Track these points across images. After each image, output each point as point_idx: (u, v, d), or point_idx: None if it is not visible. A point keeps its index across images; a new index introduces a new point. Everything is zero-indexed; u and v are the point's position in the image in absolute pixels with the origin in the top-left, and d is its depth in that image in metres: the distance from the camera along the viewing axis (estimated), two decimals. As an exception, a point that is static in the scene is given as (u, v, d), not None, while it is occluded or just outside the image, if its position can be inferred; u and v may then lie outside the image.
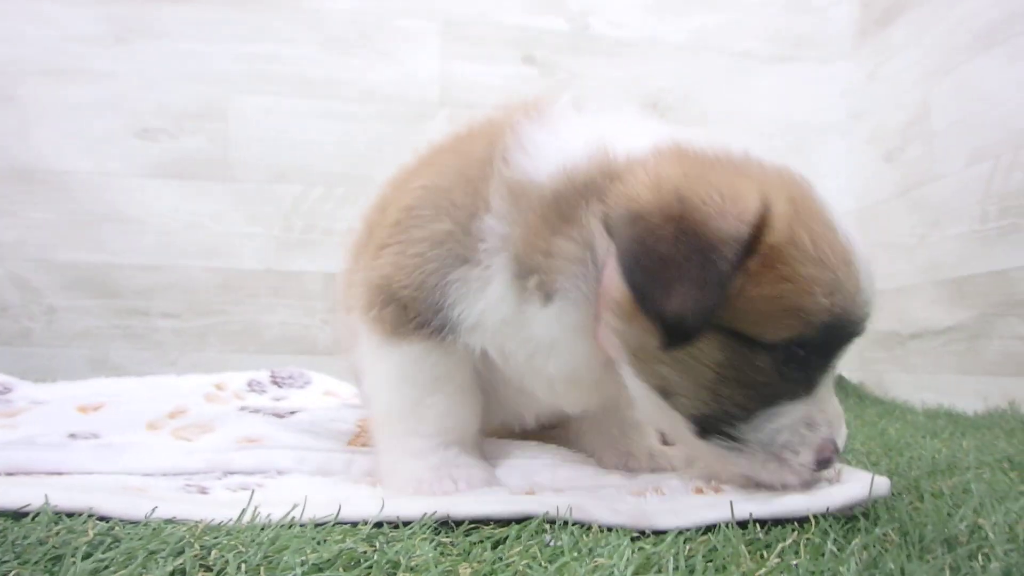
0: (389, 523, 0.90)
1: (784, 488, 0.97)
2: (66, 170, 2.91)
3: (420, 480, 1.08)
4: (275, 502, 0.94)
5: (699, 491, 1.03)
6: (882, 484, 0.96)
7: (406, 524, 0.89)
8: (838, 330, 0.93)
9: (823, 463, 0.97)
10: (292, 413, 1.26)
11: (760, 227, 0.89)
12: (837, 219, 0.95)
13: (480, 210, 1.03)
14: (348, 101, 3.11)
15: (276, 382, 1.99)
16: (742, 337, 0.92)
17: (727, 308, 0.89)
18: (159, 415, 1.36)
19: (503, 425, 1.31)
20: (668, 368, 0.95)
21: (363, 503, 0.93)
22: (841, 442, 0.99)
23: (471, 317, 1.04)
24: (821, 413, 0.97)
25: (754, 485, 0.99)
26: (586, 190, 0.98)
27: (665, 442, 1.34)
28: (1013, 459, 1.41)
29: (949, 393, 2.59)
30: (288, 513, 0.89)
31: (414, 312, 1.06)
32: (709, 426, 0.96)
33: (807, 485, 0.97)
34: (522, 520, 0.90)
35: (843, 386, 3.06)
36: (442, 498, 0.95)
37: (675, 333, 0.89)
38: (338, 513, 0.89)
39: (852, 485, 0.95)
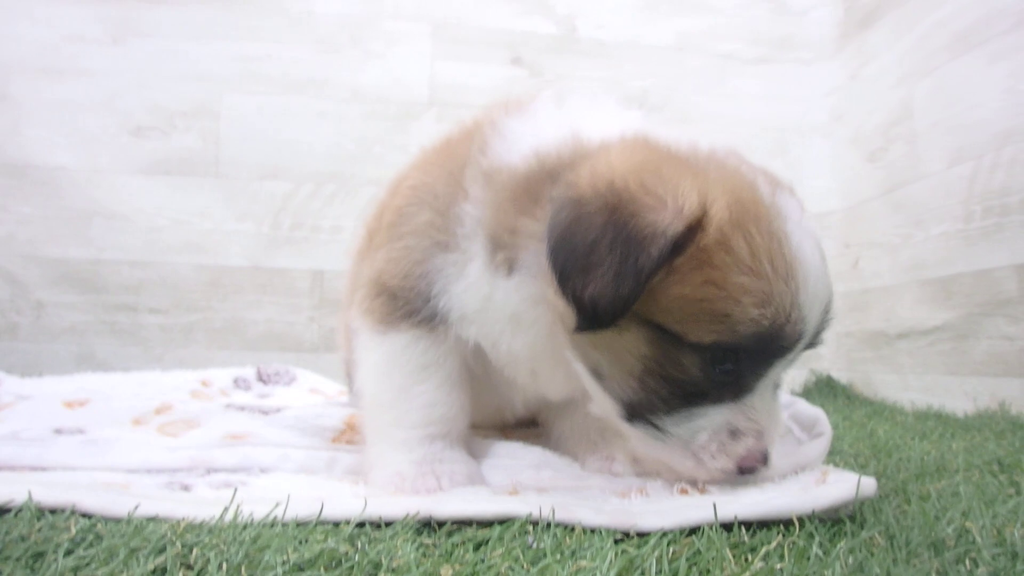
0: (371, 523, 0.90)
1: (700, 480, 1.01)
2: (57, 166, 2.92)
3: (403, 475, 1.09)
4: (257, 500, 0.95)
5: (684, 492, 1.04)
6: (868, 485, 0.96)
7: (388, 524, 0.90)
8: (770, 342, 0.94)
9: (745, 471, 1.00)
10: (277, 410, 1.25)
11: (694, 227, 0.90)
12: (792, 232, 0.94)
13: (459, 198, 1.07)
14: (338, 101, 3.13)
15: (262, 379, 1.98)
16: (669, 334, 0.94)
17: (652, 303, 0.92)
18: (145, 411, 1.37)
19: (497, 412, 1.33)
20: (600, 354, 0.98)
21: (345, 502, 0.93)
22: (771, 452, 1.02)
23: (455, 302, 1.08)
24: (749, 422, 0.99)
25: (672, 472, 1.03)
26: (554, 172, 1.00)
27: None
28: (1003, 461, 1.41)
29: (938, 394, 2.60)
30: (270, 512, 0.90)
31: (402, 301, 1.10)
32: (635, 413, 1.00)
33: (723, 480, 1.01)
34: (505, 521, 0.91)
35: (832, 386, 3.07)
36: (425, 498, 0.96)
37: (590, 318, 0.91)
38: (320, 512, 0.90)
39: (838, 486, 0.95)
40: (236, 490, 1.02)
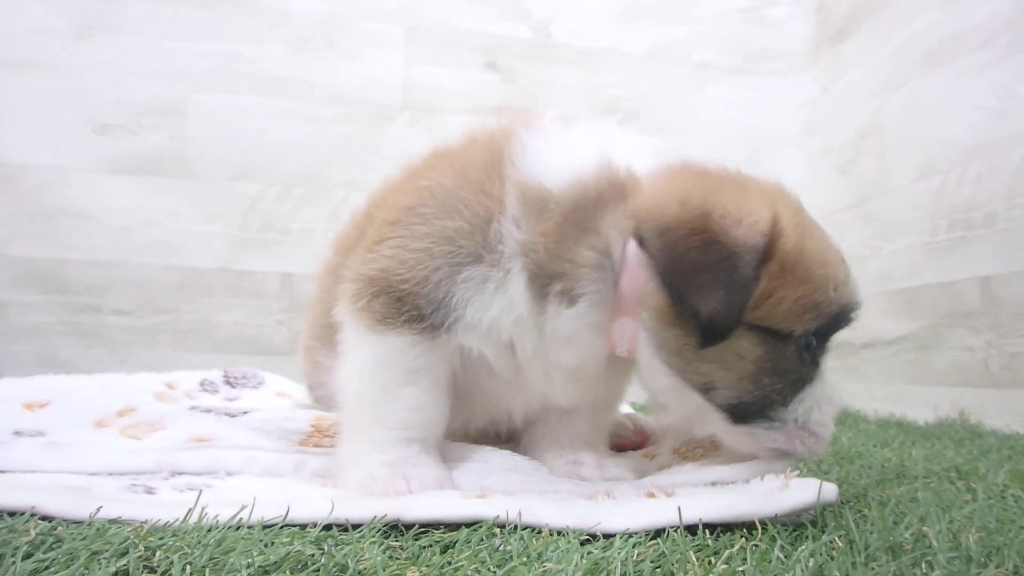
0: (338, 526, 0.89)
1: (813, 455, 1.11)
2: (22, 163, 2.88)
3: (374, 476, 1.08)
4: (223, 503, 0.94)
5: (651, 495, 1.05)
6: (830, 491, 0.98)
7: (355, 527, 0.89)
8: (842, 319, 1.07)
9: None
10: (244, 412, 1.24)
11: (774, 236, 1.00)
12: (828, 234, 1.10)
13: (495, 212, 1.08)
14: (310, 102, 3.11)
15: (229, 382, 1.96)
16: (773, 332, 1.03)
17: (758, 309, 1.01)
18: (107, 413, 1.34)
19: (491, 423, 1.32)
20: (711, 366, 1.05)
21: (312, 505, 0.92)
22: None
23: (482, 314, 1.08)
24: (830, 388, 1.10)
25: (776, 456, 1.09)
26: (599, 201, 1.07)
27: (622, 448, 1.41)
28: (960, 468, 1.44)
29: (901, 402, 2.65)
30: (236, 515, 0.89)
31: (409, 305, 1.09)
32: (747, 413, 1.07)
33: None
34: (472, 524, 0.90)
35: (797, 395, 3.11)
36: (393, 501, 0.95)
37: (709, 332, 1.00)
38: (286, 515, 0.89)
39: (800, 491, 0.97)
40: (201, 492, 1.01)
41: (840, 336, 2.93)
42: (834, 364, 3.12)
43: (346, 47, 3.17)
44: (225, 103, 3.05)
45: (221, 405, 1.30)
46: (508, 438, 1.37)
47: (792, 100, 3.47)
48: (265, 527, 0.88)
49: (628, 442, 1.43)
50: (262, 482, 1.13)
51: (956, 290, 2.42)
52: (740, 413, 1.07)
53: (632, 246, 1.05)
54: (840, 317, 1.06)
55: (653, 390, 1.12)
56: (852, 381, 2.94)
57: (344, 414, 1.16)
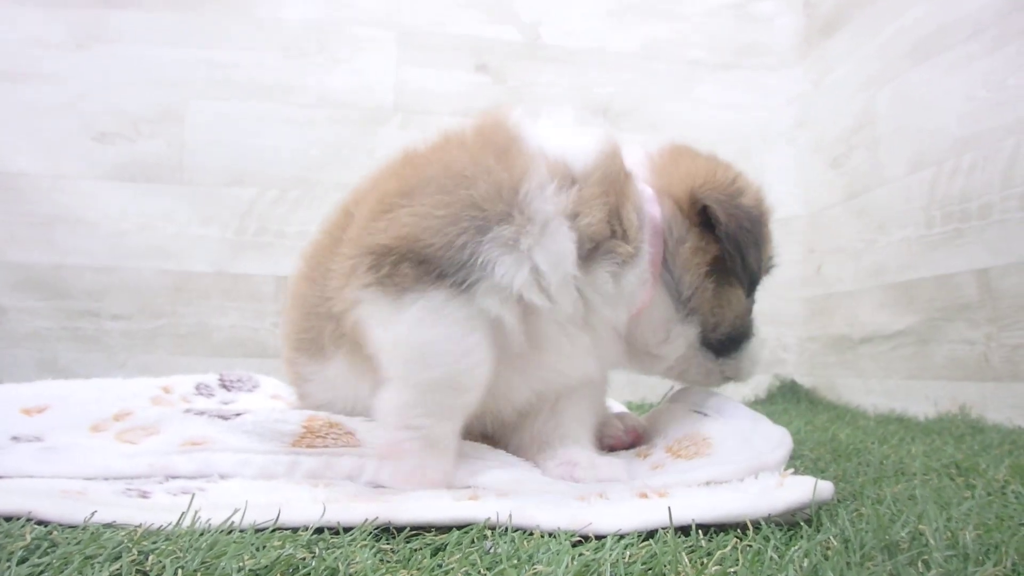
0: (330, 529, 0.90)
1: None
2: (20, 172, 2.92)
3: (409, 453, 1.12)
4: (216, 506, 0.94)
5: (643, 496, 1.05)
6: (825, 489, 0.99)
7: (347, 530, 0.90)
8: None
9: None
10: (237, 415, 1.25)
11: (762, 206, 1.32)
12: None
13: (521, 179, 1.12)
14: (304, 107, 3.14)
15: (224, 385, 1.96)
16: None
17: None
18: (104, 417, 1.34)
19: (479, 419, 1.31)
20: (726, 308, 1.29)
21: (303, 508, 0.93)
22: None
23: (513, 274, 1.10)
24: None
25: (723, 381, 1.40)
26: (623, 174, 1.21)
27: (614, 448, 1.42)
28: (960, 465, 1.43)
29: (900, 398, 2.63)
30: (228, 518, 0.89)
31: (434, 266, 1.09)
32: (728, 347, 1.34)
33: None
34: (464, 526, 0.91)
35: (795, 390, 3.10)
36: (383, 503, 0.96)
37: (754, 284, 1.29)
38: (277, 518, 0.90)
39: (795, 490, 0.97)
40: (194, 496, 1.01)
41: (838, 331, 3.06)
42: (832, 360, 3.13)
43: (338, 52, 3.19)
44: (220, 109, 3.07)
45: (214, 407, 1.29)
46: (496, 438, 1.38)
47: (782, 95, 3.47)
48: (257, 531, 0.88)
49: (619, 442, 1.43)
50: (255, 485, 1.12)
51: (953, 283, 2.41)
52: (724, 347, 1.33)
53: (668, 210, 1.24)
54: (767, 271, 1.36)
55: (656, 342, 1.29)
56: (850, 376, 2.93)
57: (393, 387, 1.14)
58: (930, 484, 1.25)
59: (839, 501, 1.09)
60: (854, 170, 2.97)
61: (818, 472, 1.33)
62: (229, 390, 1.96)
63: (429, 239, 1.09)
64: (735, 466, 1.11)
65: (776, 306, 3.17)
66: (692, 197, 1.24)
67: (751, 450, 1.16)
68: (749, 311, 1.36)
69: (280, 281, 3.00)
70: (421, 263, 1.09)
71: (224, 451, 1.20)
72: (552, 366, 1.22)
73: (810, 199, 3.29)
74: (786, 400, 3.03)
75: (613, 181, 1.18)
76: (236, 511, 0.91)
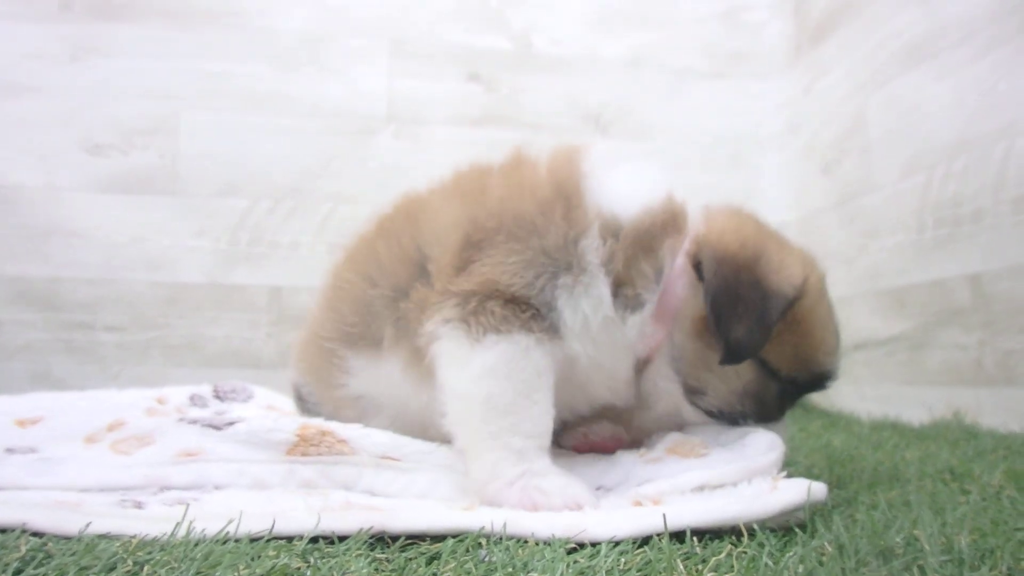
0: (325, 538, 0.90)
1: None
2: (14, 184, 2.93)
3: (541, 490, 1.09)
4: (211, 516, 0.95)
5: (637, 504, 1.06)
6: (819, 490, 1.01)
7: (342, 539, 0.90)
8: (820, 380, 1.26)
9: None
10: (230, 424, 1.24)
11: (800, 292, 1.19)
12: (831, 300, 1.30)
13: (581, 234, 1.19)
14: (296, 117, 3.14)
15: (218, 396, 1.96)
16: (769, 367, 1.22)
17: (766, 344, 1.17)
18: (98, 428, 1.34)
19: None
20: (712, 376, 1.23)
21: (298, 518, 0.93)
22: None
23: (574, 315, 1.18)
24: (783, 434, 1.24)
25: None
26: (662, 228, 1.24)
27: (594, 449, 1.44)
28: (955, 470, 1.44)
29: (894, 404, 2.61)
30: (223, 528, 0.90)
31: (524, 306, 1.16)
32: (723, 416, 1.26)
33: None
34: (458, 535, 0.91)
35: (788, 398, 3.09)
36: (377, 513, 0.96)
37: (732, 352, 1.16)
38: (272, 528, 0.90)
39: (789, 492, 0.98)
40: (188, 506, 1.02)
41: None
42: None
43: (331, 62, 3.20)
44: (213, 120, 3.08)
45: (208, 416, 1.29)
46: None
47: (773, 101, 3.47)
48: (252, 540, 0.88)
49: (603, 446, 1.43)
50: (249, 495, 1.13)
51: (946, 288, 2.40)
52: (715, 418, 1.27)
53: (679, 266, 1.23)
54: (819, 378, 1.26)
55: (651, 391, 1.29)
56: (844, 383, 2.88)
57: (471, 424, 1.15)
58: (925, 489, 1.26)
59: (833, 507, 1.10)
60: (846, 175, 2.97)
61: (812, 478, 1.32)
62: (223, 400, 1.96)
63: (509, 279, 1.16)
64: (728, 468, 1.11)
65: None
66: (695, 251, 1.23)
67: (743, 454, 1.16)
68: (760, 392, 1.24)
69: (273, 291, 3.00)
70: (509, 301, 1.15)
71: (218, 461, 1.20)
72: (597, 395, 1.31)
73: (801, 204, 3.28)
74: (780, 406, 3.01)
75: (646, 233, 1.22)
76: (231, 521, 0.91)
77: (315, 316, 1.56)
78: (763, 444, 1.16)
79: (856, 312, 2.83)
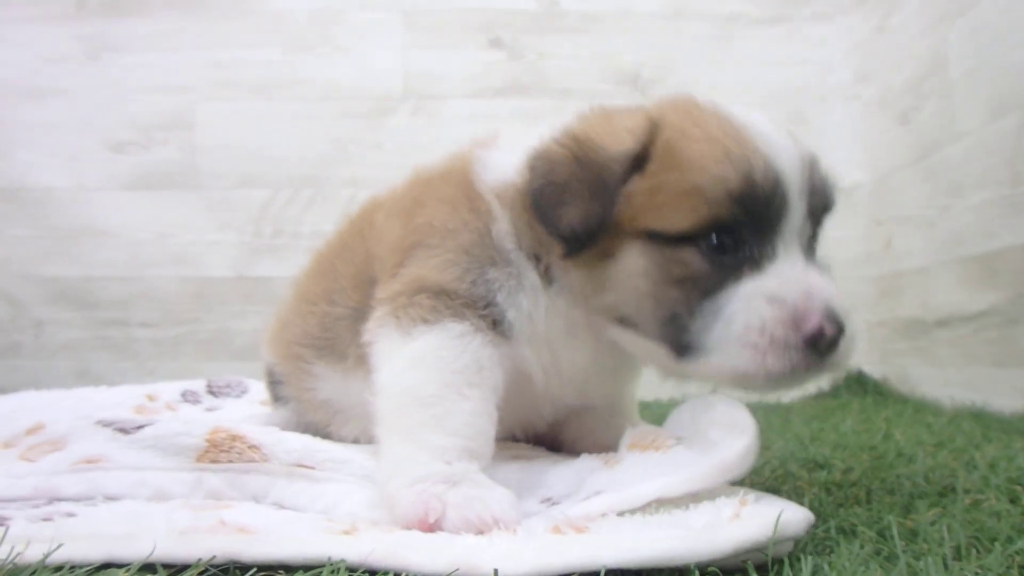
0: (165, 566, 0.79)
1: (771, 378, 0.94)
2: (45, 187, 3.07)
3: (437, 496, 0.94)
4: (76, 536, 0.86)
5: (556, 530, 0.89)
6: (793, 522, 0.82)
7: (183, 569, 0.79)
8: (753, 203, 0.96)
9: (816, 338, 0.92)
10: (139, 427, 1.16)
11: (651, 136, 1.00)
12: (740, 114, 1.02)
13: (488, 218, 1.13)
14: (311, 101, 3.15)
15: (212, 391, 1.95)
16: (658, 237, 0.99)
17: (631, 212, 0.99)
18: (17, 432, 1.28)
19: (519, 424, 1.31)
20: (611, 294, 1.04)
21: (135, 545, 0.82)
22: (837, 308, 0.95)
23: (520, 315, 1.10)
24: (783, 283, 0.95)
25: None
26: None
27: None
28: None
29: (983, 389, 2.37)
30: (48, 554, 0.80)
31: (461, 299, 1.09)
32: (675, 341, 0.99)
33: (802, 365, 0.93)
34: (324, 566, 0.78)
35: (862, 382, 2.88)
36: (229, 537, 0.84)
37: (572, 240, 1.01)
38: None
39: (750, 525, 0.79)
40: (54, 522, 0.94)
41: (909, 313, 2.60)
42: (904, 347, 2.82)
43: (343, 40, 3.17)
44: (228, 110, 3.14)
45: (120, 420, 1.19)
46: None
47: (838, 46, 3.17)
48: (73, 568, 0.79)
49: None
50: (139, 508, 1.03)
51: (1045, 253, 2.14)
52: (671, 343, 1.00)
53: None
54: (749, 201, 0.96)
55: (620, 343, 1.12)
56: (925, 365, 2.68)
57: (389, 415, 1.06)
58: (982, 507, 1.01)
59: (823, 538, 0.89)
60: (924, 125, 2.70)
61: (844, 484, 1.16)
62: (216, 396, 1.99)
63: (437, 276, 1.10)
64: (691, 471, 0.92)
65: (839, 287, 2.87)
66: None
67: (707, 443, 0.95)
68: (680, 277, 0.99)
69: (299, 283, 3.04)
70: (439, 293, 1.09)
71: (120, 469, 1.13)
72: (567, 392, 1.22)
73: (875, 163, 3.03)
74: (851, 393, 2.78)
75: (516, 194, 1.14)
76: (60, 546, 0.81)
77: (286, 313, 1.59)
78: (727, 421, 0.96)
79: (938, 284, 2.60)
